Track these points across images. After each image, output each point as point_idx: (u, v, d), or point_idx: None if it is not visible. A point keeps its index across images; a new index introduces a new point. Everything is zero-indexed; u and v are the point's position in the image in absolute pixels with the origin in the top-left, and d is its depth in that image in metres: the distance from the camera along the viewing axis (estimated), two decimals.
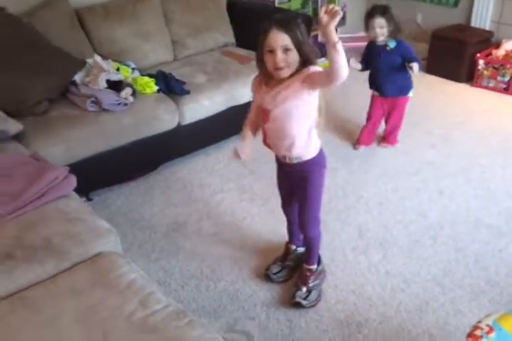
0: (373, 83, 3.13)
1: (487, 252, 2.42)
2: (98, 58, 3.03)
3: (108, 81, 2.90)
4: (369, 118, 3.25)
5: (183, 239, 2.61)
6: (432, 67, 4.37)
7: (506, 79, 3.95)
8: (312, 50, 1.77)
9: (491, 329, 1.46)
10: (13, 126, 2.55)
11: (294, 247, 2.35)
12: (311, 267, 2.22)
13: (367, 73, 3.14)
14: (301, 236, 2.31)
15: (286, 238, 2.38)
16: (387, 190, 2.92)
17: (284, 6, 4.36)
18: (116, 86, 2.89)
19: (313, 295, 2.17)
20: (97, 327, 1.52)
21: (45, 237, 1.85)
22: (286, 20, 1.74)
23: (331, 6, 1.51)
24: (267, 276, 2.31)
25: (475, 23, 4.30)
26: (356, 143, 3.34)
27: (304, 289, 2.17)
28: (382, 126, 3.34)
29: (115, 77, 2.94)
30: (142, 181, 3.11)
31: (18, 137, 2.57)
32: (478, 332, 1.46)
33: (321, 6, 4.61)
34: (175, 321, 1.54)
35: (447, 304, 2.15)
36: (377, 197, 2.86)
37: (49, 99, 2.83)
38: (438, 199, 2.82)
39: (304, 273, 2.22)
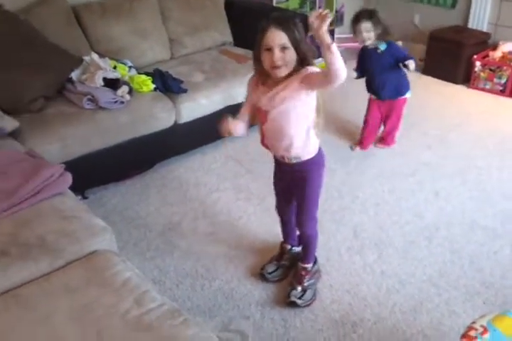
0: (370, 87, 3.14)
1: (482, 254, 2.43)
2: (95, 56, 3.02)
3: (105, 79, 2.89)
4: (366, 121, 3.26)
5: (178, 238, 2.60)
6: (429, 69, 4.39)
7: (503, 81, 3.96)
8: (310, 49, 1.76)
9: (485, 330, 1.46)
10: (9, 123, 2.54)
11: (289, 247, 2.35)
12: (307, 266, 2.22)
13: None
14: (296, 236, 2.31)
15: (282, 237, 2.38)
16: (384, 191, 2.92)
17: (282, 6, 4.35)
18: (112, 84, 2.88)
19: (308, 294, 2.17)
20: (92, 325, 1.51)
21: (39, 235, 1.85)
22: (285, 19, 1.74)
23: (320, 10, 1.52)
24: (262, 276, 2.30)
25: (472, 24, 4.31)
26: (354, 145, 3.36)
27: (299, 288, 2.17)
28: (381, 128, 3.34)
29: (112, 75, 2.93)
30: (138, 179, 3.10)
31: (14, 134, 2.56)
32: (472, 333, 1.46)
33: (319, 7, 4.63)
34: (170, 320, 1.53)
35: (442, 305, 2.15)
36: (374, 197, 2.87)
37: (45, 96, 2.82)
38: (434, 201, 2.82)
39: (299, 272, 2.22)
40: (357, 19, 2.88)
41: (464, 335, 1.47)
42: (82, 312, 1.56)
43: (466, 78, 4.18)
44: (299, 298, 2.14)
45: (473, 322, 1.51)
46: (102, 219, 2.02)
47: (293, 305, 2.14)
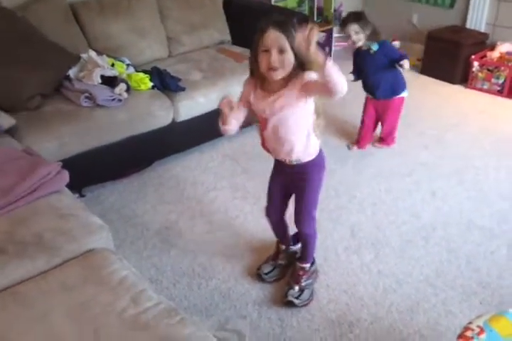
0: (365, 86, 3.15)
1: (479, 254, 2.43)
2: (93, 53, 3.01)
3: (102, 76, 2.88)
4: (363, 121, 3.27)
5: (175, 237, 2.60)
6: (427, 68, 4.40)
7: (500, 81, 3.97)
8: (308, 54, 1.75)
9: (481, 330, 1.46)
10: (6, 121, 2.53)
11: (284, 247, 2.35)
12: (304, 265, 2.22)
13: None
14: (291, 235, 2.31)
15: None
16: (381, 191, 2.92)
17: (280, 4, 4.35)
18: (110, 82, 2.87)
19: (306, 294, 2.17)
20: (88, 323, 1.51)
21: (36, 233, 1.84)
22: (284, 21, 1.71)
23: (304, 32, 1.50)
24: (258, 276, 2.30)
25: (470, 24, 4.31)
26: (351, 144, 3.36)
27: (297, 288, 2.17)
28: (379, 129, 3.34)
29: (110, 73, 2.92)
30: (136, 178, 3.10)
31: (11, 132, 2.55)
32: (469, 333, 1.47)
33: (318, 6, 4.62)
34: (166, 319, 1.53)
35: (439, 305, 2.16)
36: (371, 197, 2.87)
37: (42, 94, 2.81)
38: (431, 201, 2.83)
39: (296, 272, 2.22)
40: (344, 22, 2.90)
41: (461, 335, 1.48)
42: (78, 311, 1.56)
43: (464, 78, 4.19)
44: (297, 298, 2.14)
45: (470, 323, 1.51)
46: (99, 217, 2.01)
47: (290, 304, 2.14)
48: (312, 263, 2.26)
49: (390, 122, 3.23)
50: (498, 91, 4.01)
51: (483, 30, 4.26)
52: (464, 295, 2.20)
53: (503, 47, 4.02)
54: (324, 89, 1.63)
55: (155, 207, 2.83)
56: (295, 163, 1.94)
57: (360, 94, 3.22)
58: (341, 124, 3.60)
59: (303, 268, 2.22)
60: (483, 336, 1.45)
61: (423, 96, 4.04)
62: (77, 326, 1.51)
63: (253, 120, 1.93)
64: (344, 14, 4.65)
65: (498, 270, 2.33)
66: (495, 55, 4.01)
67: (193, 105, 3.08)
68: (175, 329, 1.49)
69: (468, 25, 4.33)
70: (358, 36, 2.86)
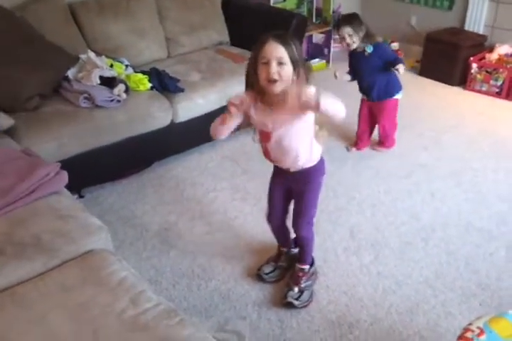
0: (361, 88, 3.15)
1: (478, 255, 2.43)
2: (92, 54, 3.00)
3: (101, 77, 2.87)
4: (359, 121, 3.27)
5: (174, 238, 2.59)
6: (426, 70, 4.40)
7: (499, 83, 3.97)
8: (307, 71, 1.75)
9: (481, 332, 1.46)
10: (4, 121, 2.52)
11: (285, 249, 2.35)
12: (304, 267, 2.22)
13: None
14: (291, 239, 2.31)
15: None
16: (380, 192, 2.92)
17: (279, 6, 4.35)
18: (109, 82, 2.87)
19: (305, 295, 2.16)
20: (87, 324, 1.51)
21: (35, 234, 1.83)
22: (284, 35, 1.73)
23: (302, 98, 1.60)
24: (258, 276, 2.30)
25: (469, 26, 4.32)
26: (350, 146, 3.36)
27: (296, 289, 2.17)
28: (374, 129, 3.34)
29: (108, 74, 2.91)
30: (135, 179, 3.09)
31: (9, 133, 2.54)
32: (468, 335, 1.46)
33: (316, 7, 4.62)
34: (166, 320, 1.53)
35: (438, 306, 2.16)
36: (370, 198, 2.87)
37: (41, 94, 2.80)
38: (430, 202, 2.83)
39: (296, 273, 2.22)
40: (338, 25, 2.91)
41: (461, 337, 1.47)
42: (77, 312, 1.55)
43: (463, 80, 4.19)
44: (296, 299, 2.14)
45: (470, 324, 1.50)
46: (98, 218, 2.01)
47: (290, 305, 2.13)
48: (311, 265, 2.26)
49: (385, 124, 3.22)
50: (497, 93, 4.02)
51: (481, 32, 4.26)
52: (463, 296, 2.20)
53: (502, 49, 4.03)
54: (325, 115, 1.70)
55: (154, 208, 2.82)
56: (296, 169, 1.95)
57: (358, 95, 3.23)
58: (340, 126, 3.59)
59: (302, 270, 2.22)
60: (483, 337, 1.44)
61: (422, 97, 4.05)
62: (76, 327, 1.50)
63: (248, 124, 1.92)
64: (341, 12, 4.68)
65: (497, 272, 2.33)
66: (493, 56, 4.02)
67: (191, 106, 3.08)
68: (174, 331, 1.49)
69: (466, 27, 4.33)
70: (352, 39, 2.87)
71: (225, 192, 2.94)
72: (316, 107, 1.61)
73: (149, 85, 3.02)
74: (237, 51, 3.63)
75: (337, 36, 2.98)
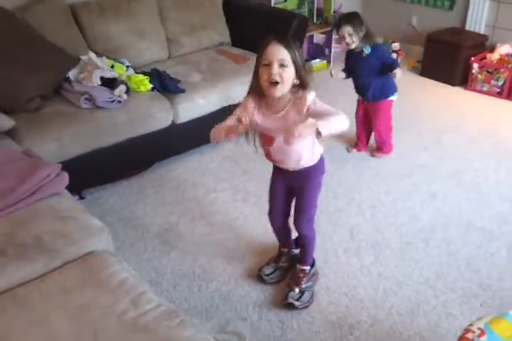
0: (357, 88, 3.14)
1: (479, 255, 2.43)
2: (92, 55, 3.01)
3: (102, 78, 2.88)
4: (356, 122, 3.26)
5: (175, 239, 2.60)
6: (427, 70, 4.40)
7: (500, 83, 3.97)
8: (307, 76, 1.75)
9: (482, 333, 1.46)
10: (6, 122, 2.52)
11: (286, 250, 2.35)
12: (305, 268, 2.22)
13: None
14: (293, 239, 2.31)
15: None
16: (380, 193, 2.92)
17: (280, 6, 4.35)
18: (110, 83, 2.87)
19: (306, 296, 2.17)
20: (88, 325, 1.51)
21: (36, 235, 1.84)
22: (286, 38, 1.74)
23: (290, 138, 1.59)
24: (259, 277, 2.30)
25: (470, 26, 4.32)
26: (350, 147, 3.37)
27: (297, 290, 2.17)
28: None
29: (109, 75, 2.92)
30: (136, 180, 3.09)
31: (10, 134, 2.55)
32: (469, 335, 1.46)
33: (317, 7, 4.62)
34: (166, 321, 1.53)
35: (439, 307, 2.15)
36: (370, 199, 2.87)
37: (42, 95, 2.80)
38: (430, 202, 2.83)
39: (297, 274, 2.22)
40: (338, 24, 2.89)
41: (461, 337, 1.47)
42: (78, 313, 1.55)
43: (464, 80, 4.19)
44: (297, 300, 2.14)
45: (471, 325, 1.50)
46: (98, 219, 2.01)
47: (290, 306, 2.14)
48: (312, 266, 2.26)
49: (380, 129, 3.19)
50: (498, 93, 4.02)
51: (482, 31, 4.26)
52: (464, 297, 2.20)
53: (503, 49, 4.03)
54: None
55: (155, 209, 2.82)
56: (297, 169, 1.96)
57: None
58: None
59: (303, 271, 2.22)
60: (483, 338, 1.44)
61: (422, 97, 4.05)
62: (77, 328, 1.50)
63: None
64: (342, 12, 4.67)
65: (498, 272, 2.33)
66: (494, 56, 4.01)
67: (192, 107, 3.08)
68: (175, 332, 1.49)
69: (467, 27, 4.33)
70: (352, 38, 2.86)
71: (225, 193, 2.94)
72: (317, 133, 1.61)
73: (150, 86, 3.02)
74: (238, 52, 3.64)
75: (337, 36, 2.97)
